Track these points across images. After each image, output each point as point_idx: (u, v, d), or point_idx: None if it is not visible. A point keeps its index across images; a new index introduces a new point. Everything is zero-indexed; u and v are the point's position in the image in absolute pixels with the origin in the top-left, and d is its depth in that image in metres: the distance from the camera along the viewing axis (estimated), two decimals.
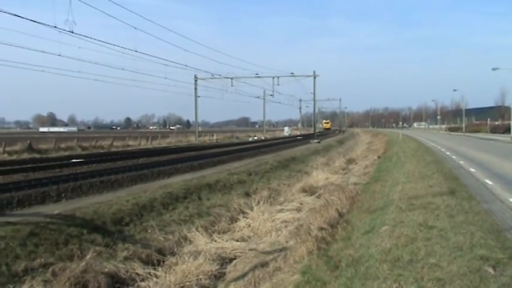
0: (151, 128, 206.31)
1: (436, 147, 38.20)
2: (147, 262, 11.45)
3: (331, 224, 11.68)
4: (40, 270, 9.84)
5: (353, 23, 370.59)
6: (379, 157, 33.11)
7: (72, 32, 23.08)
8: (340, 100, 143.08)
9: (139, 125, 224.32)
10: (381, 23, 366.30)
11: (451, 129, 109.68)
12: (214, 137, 68.84)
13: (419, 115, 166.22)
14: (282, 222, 15.42)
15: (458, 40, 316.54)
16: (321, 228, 11.31)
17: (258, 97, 77.88)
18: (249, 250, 12.63)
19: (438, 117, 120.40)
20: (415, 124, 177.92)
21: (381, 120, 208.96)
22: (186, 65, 43.19)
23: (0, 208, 13.36)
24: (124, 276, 10.55)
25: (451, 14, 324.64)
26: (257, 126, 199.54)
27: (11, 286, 8.97)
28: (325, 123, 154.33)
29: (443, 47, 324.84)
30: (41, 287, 9.04)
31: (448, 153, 30.55)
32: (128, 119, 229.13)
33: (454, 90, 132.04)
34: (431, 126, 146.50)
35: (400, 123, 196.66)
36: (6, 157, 30.51)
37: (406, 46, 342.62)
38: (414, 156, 27.07)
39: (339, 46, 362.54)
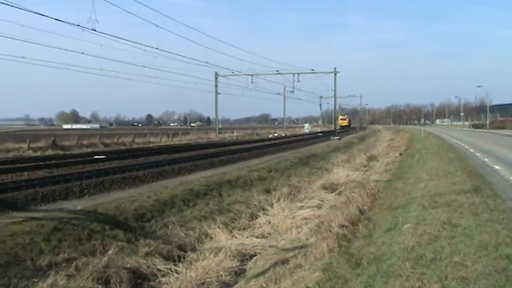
0: (172, 125, 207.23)
1: (459, 144, 37.63)
2: (168, 258, 11.53)
3: (352, 221, 11.61)
4: (64, 264, 9.98)
5: (375, 19, 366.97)
6: (400, 154, 32.77)
7: (95, 30, 23.30)
8: (361, 97, 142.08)
9: (161, 122, 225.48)
10: (403, 19, 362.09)
11: (474, 126, 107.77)
12: (235, 134, 68.88)
13: (442, 112, 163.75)
14: (302, 219, 15.36)
15: (483, 35, 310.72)
16: (342, 226, 11.25)
17: (278, 94, 77.71)
18: (269, 247, 12.60)
19: (461, 114, 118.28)
20: (437, 121, 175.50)
21: (402, 116, 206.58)
22: (206, 62, 43.39)
23: (25, 203, 13.60)
24: (145, 272, 10.65)
25: (475, 8, 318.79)
26: (276, 123, 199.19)
27: (36, 280, 9.10)
28: (342, 119, 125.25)
29: (467, 42, 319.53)
30: (64, 282, 9.16)
31: (471, 150, 30.05)
32: (149, 116, 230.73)
33: (478, 86, 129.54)
34: (454, 123, 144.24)
35: (422, 119, 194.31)
36: (31, 153, 31.00)
37: (429, 41, 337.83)
38: (437, 154, 26.72)
39: (361, 42, 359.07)
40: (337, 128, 74.35)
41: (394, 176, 20.21)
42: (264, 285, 9.28)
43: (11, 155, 29.79)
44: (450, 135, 55.27)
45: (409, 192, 13.87)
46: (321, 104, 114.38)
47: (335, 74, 63.49)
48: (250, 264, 11.50)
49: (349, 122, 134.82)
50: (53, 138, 36.97)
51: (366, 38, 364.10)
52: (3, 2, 18.05)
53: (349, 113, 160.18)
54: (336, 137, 59.26)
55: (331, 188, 20.54)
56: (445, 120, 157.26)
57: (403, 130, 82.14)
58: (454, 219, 8.80)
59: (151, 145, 43.82)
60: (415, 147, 35.93)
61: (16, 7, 18.90)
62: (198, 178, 20.03)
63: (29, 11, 20.27)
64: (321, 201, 18.07)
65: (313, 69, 61.98)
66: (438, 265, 6.32)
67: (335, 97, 69.37)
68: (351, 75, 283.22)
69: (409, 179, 17.15)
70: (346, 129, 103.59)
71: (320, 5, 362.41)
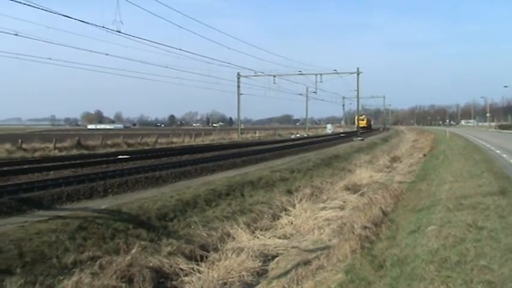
0: (194, 125, 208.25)
1: (485, 145, 36.93)
2: (190, 257, 11.58)
3: (375, 223, 11.49)
4: (88, 263, 10.12)
5: (398, 19, 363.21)
6: (424, 155, 32.37)
7: (119, 32, 23.54)
8: (384, 97, 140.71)
9: (183, 122, 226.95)
10: (428, 18, 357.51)
11: (501, 127, 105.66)
12: (257, 134, 69.00)
13: (468, 112, 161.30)
14: (324, 220, 15.30)
15: (510, 34, 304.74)
16: (365, 227, 11.14)
17: (301, 94, 77.52)
18: (292, 248, 12.59)
19: (487, 115, 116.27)
20: (462, 122, 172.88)
21: (426, 117, 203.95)
22: (229, 63, 43.48)
23: (51, 202, 13.84)
24: (168, 271, 10.73)
25: (501, 7, 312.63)
26: (297, 124, 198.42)
27: (61, 278, 9.25)
28: (360, 120, 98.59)
29: (493, 41, 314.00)
30: (89, 280, 9.28)
31: (498, 151, 29.45)
32: (172, 117, 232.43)
33: (505, 86, 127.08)
34: (480, 124, 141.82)
35: (447, 120, 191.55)
36: (56, 153, 31.57)
37: (454, 41, 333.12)
38: (462, 155, 26.30)
39: (384, 42, 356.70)
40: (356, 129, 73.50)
41: (418, 178, 19.96)
42: (286, 286, 9.25)
43: (37, 154, 30.40)
44: (476, 136, 54.32)
45: (434, 194, 13.68)
46: (343, 105, 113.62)
47: (358, 74, 63.10)
48: (272, 264, 11.50)
49: (369, 122, 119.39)
50: (77, 138, 37.56)
51: (389, 38, 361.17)
52: (28, 3, 18.39)
53: (372, 113, 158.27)
54: (358, 138, 58.88)
55: (353, 189, 20.43)
56: (471, 121, 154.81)
57: (427, 131, 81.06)
58: (479, 222, 8.65)
59: (174, 145, 44.18)
60: (440, 149, 35.43)
61: (42, 9, 19.25)
62: (220, 178, 20.10)
63: (55, 13, 20.62)
64: (344, 202, 17.98)
65: (335, 70, 61.67)
66: (463, 268, 6.22)
67: (358, 98, 68.99)
68: (374, 75, 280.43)
69: (433, 181, 16.92)
70: (366, 131, 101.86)
71: (343, 5, 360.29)
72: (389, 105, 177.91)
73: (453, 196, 12.19)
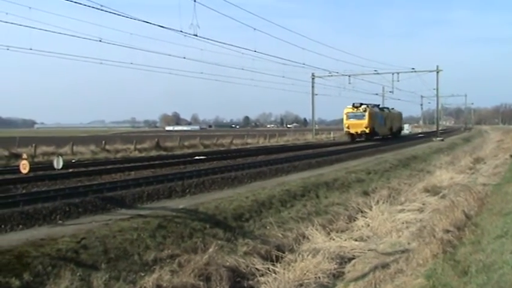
0: (268, 126, 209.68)
1: None
2: (266, 258, 11.61)
3: (458, 227, 10.98)
4: (168, 260, 10.41)
5: (480, 14, 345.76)
6: (511, 156, 30.57)
7: (196, 36, 24.08)
8: (465, 96, 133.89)
9: (257, 123, 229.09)
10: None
11: None
12: (332, 135, 68.19)
13: None
14: (402, 223, 14.85)
15: None
16: (447, 231, 10.68)
17: (377, 94, 75.32)
18: (368, 250, 12.33)
19: None
20: None
21: None
22: (303, 64, 43.26)
23: (132, 201, 14.42)
24: (244, 271, 10.83)
25: None
26: None
27: (143, 274, 9.61)
28: (352, 117, 53.04)
29: None
30: (168, 277, 9.57)
31: None
32: (247, 118, 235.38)
33: None
34: None
35: None
36: (137, 154, 33.02)
37: None
38: None
39: (465, 38, 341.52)
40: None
41: (505, 180, 18.84)
42: None
43: (119, 155, 31.95)
44: None
45: None
46: (421, 104, 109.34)
47: (437, 72, 60.63)
48: (348, 267, 11.31)
49: (372, 123, 52.73)
50: (156, 139, 39.03)
51: (471, 33, 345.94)
52: (115, 12, 19.33)
53: (453, 112, 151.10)
54: (438, 138, 56.73)
55: (433, 191, 19.73)
56: None
57: None
58: None
59: (248, 146, 44.74)
60: None
61: (125, 16, 20.19)
62: (295, 179, 20.06)
63: (137, 20, 21.55)
64: (423, 204, 17.41)
65: (413, 68, 59.60)
66: None
67: (437, 96, 66.19)
68: (454, 73, 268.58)
69: None
70: (449, 130, 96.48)
71: (421, 1, 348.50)
72: (472, 103, 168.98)
73: None
